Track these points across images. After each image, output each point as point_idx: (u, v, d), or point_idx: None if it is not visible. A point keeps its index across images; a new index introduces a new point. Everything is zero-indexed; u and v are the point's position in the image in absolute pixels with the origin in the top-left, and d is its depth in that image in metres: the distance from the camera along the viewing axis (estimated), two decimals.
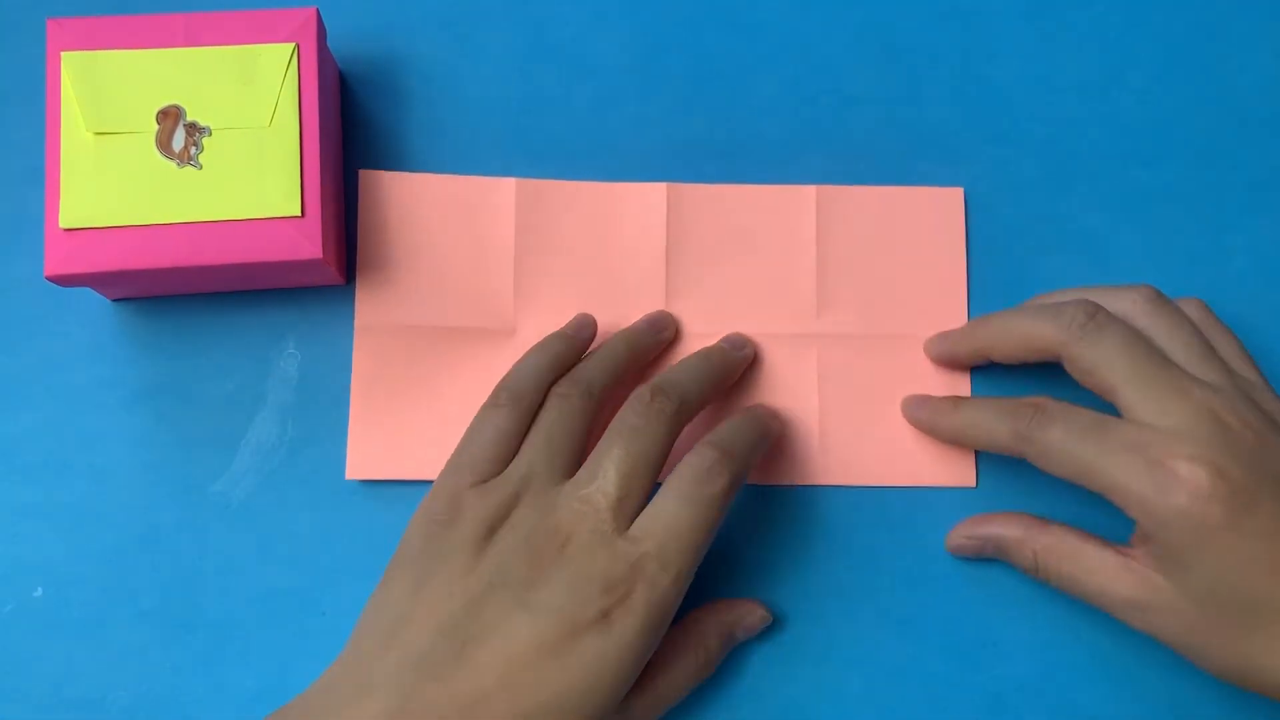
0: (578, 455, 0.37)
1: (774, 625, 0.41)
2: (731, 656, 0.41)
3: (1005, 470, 0.42)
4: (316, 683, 0.35)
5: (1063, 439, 0.36)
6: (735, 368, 0.41)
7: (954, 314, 0.43)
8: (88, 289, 0.40)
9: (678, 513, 0.35)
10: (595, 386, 0.38)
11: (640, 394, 0.37)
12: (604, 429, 0.37)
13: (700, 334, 0.42)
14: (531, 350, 0.40)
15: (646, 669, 0.36)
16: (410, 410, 0.41)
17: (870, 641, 0.41)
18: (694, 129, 0.44)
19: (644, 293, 0.42)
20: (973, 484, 0.42)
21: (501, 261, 0.42)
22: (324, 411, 0.41)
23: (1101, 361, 0.36)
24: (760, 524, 0.42)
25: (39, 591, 0.40)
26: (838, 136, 0.44)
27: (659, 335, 0.41)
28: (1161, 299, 0.38)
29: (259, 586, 0.41)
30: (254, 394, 0.42)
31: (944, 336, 0.42)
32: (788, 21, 0.45)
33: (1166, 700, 0.41)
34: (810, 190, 0.43)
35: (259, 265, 0.38)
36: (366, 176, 0.42)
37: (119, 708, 0.40)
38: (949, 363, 0.42)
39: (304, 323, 0.42)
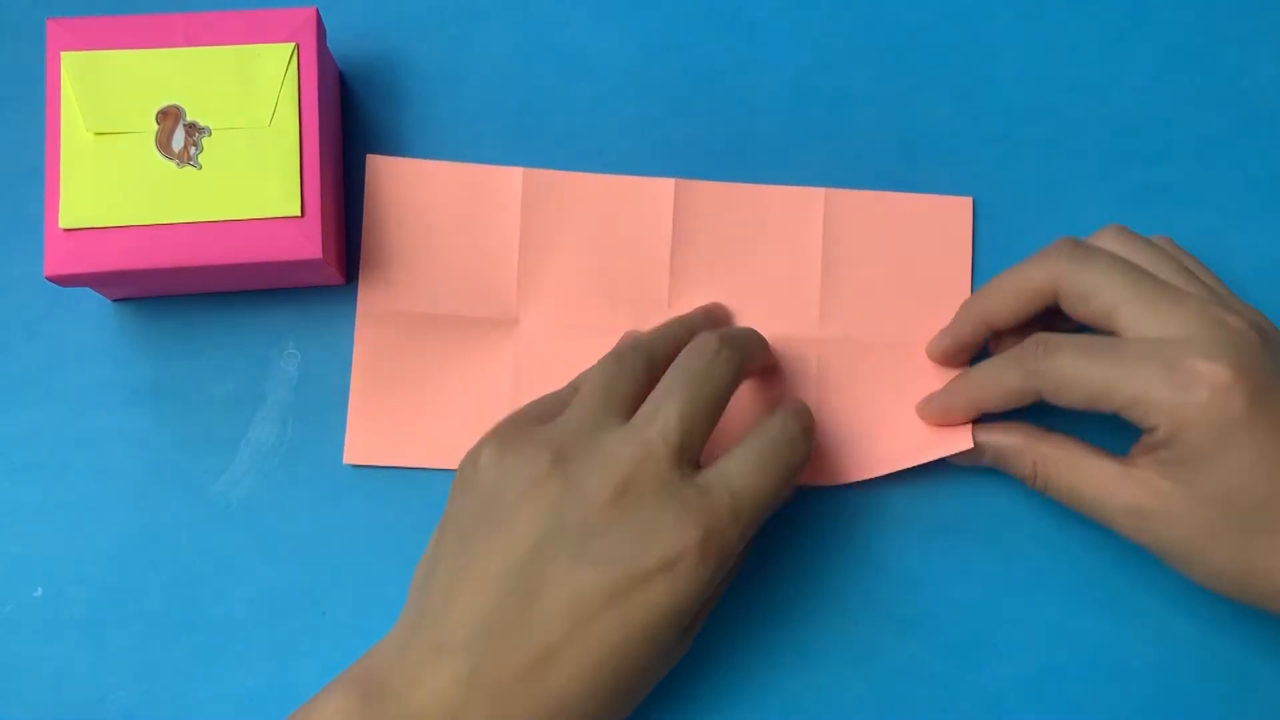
0: (633, 404, 0.36)
1: (774, 625, 0.41)
2: (732, 656, 0.41)
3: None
4: (386, 641, 0.34)
5: (1073, 362, 0.36)
6: (769, 360, 0.41)
7: None
8: (88, 289, 0.40)
9: (759, 473, 0.35)
10: (656, 358, 0.37)
11: (707, 340, 0.37)
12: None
13: None
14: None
15: None
16: (410, 397, 0.41)
17: (870, 641, 0.41)
18: (693, 129, 0.44)
19: (647, 287, 0.42)
20: (970, 445, 0.40)
21: (506, 251, 0.42)
22: (324, 411, 0.42)
23: (1097, 284, 0.37)
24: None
25: (39, 591, 0.40)
26: (838, 136, 0.44)
27: (719, 325, 0.41)
28: (1130, 232, 0.39)
29: (259, 586, 0.41)
30: (254, 394, 0.42)
31: (944, 331, 0.42)
32: (788, 21, 0.45)
33: (1166, 701, 0.41)
34: (818, 193, 0.43)
35: (259, 265, 0.38)
36: (374, 162, 0.42)
37: (119, 708, 0.40)
38: (955, 350, 0.41)
39: (304, 323, 0.42)
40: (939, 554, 0.42)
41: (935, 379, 0.42)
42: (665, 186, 0.43)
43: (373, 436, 0.41)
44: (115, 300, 0.42)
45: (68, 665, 0.40)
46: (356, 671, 0.34)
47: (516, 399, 0.41)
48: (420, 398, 0.42)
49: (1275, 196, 0.44)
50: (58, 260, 0.37)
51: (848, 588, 0.41)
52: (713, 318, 0.41)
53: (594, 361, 0.41)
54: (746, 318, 0.43)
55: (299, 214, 0.38)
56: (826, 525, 0.42)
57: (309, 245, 0.38)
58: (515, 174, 0.43)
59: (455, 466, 0.41)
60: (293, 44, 0.39)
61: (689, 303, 0.42)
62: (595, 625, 0.33)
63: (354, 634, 0.40)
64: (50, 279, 0.37)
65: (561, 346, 0.42)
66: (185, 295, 0.42)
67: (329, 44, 0.42)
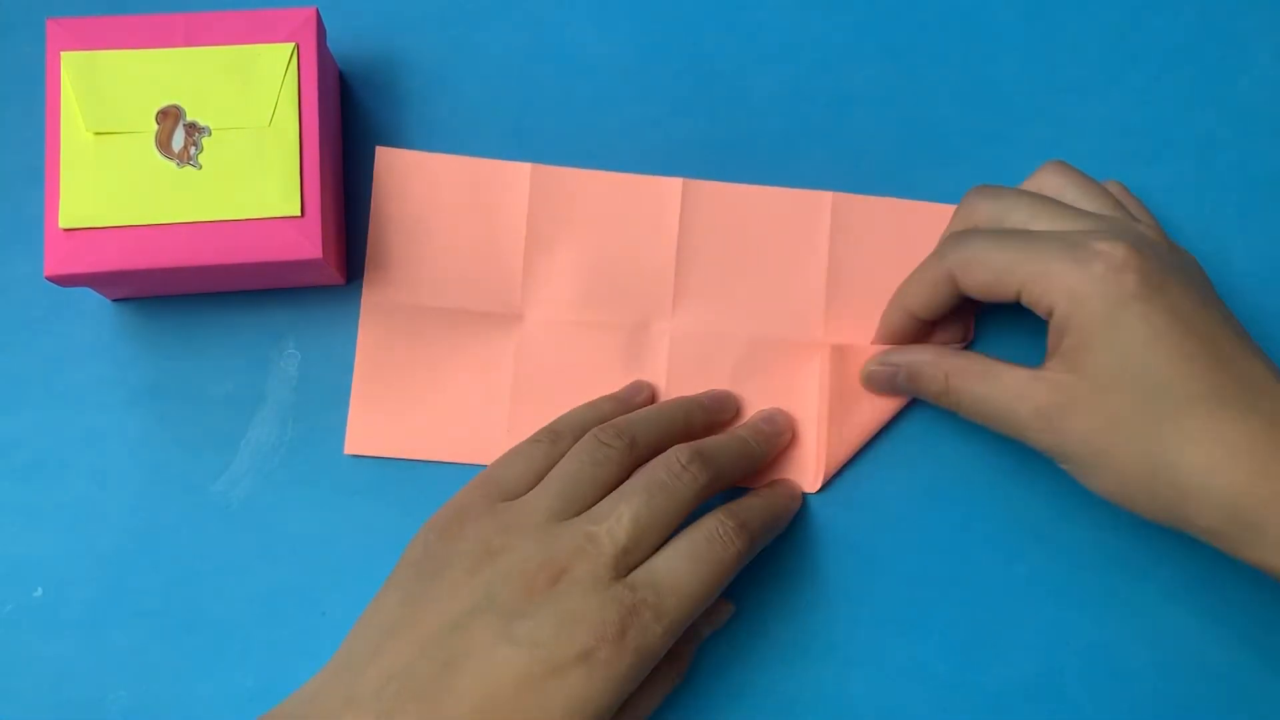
0: (601, 494, 0.37)
1: (774, 625, 0.41)
2: (732, 656, 0.41)
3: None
4: (306, 687, 0.35)
5: (983, 242, 0.37)
6: (771, 453, 0.41)
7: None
8: (88, 289, 0.40)
9: (685, 570, 0.35)
10: (639, 444, 0.38)
11: (678, 454, 0.37)
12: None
13: (705, 333, 0.42)
14: (581, 405, 0.40)
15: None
16: (413, 390, 0.42)
17: (870, 641, 0.41)
18: (693, 129, 0.44)
19: (652, 286, 0.42)
20: None
21: (512, 246, 0.42)
22: (324, 411, 0.42)
23: (1005, 210, 0.38)
24: None
25: (39, 591, 0.40)
26: (837, 136, 0.44)
27: (719, 415, 0.41)
28: (1070, 168, 0.40)
29: (259, 586, 0.41)
30: (254, 394, 0.42)
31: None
32: (788, 21, 0.45)
33: (1165, 701, 0.41)
34: (826, 196, 0.43)
35: (259, 265, 0.38)
36: (383, 154, 0.42)
37: (119, 708, 0.40)
38: (903, 303, 0.41)
39: (304, 323, 0.42)
40: (939, 554, 0.42)
41: None
42: (673, 186, 0.43)
43: (374, 427, 0.41)
44: (115, 300, 0.42)
45: (68, 665, 0.40)
46: (274, 716, 0.34)
47: (517, 393, 0.42)
48: (422, 390, 0.42)
49: (1275, 196, 0.44)
50: (58, 260, 0.37)
51: (848, 588, 0.41)
52: (718, 402, 0.41)
53: (595, 359, 0.41)
54: (751, 319, 0.42)
55: (299, 214, 0.38)
56: (827, 525, 0.42)
57: (309, 245, 0.38)
58: (523, 169, 0.43)
59: (454, 460, 0.41)
60: (293, 44, 0.39)
61: (693, 303, 0.42)
62: (506, 707, 0.32)
63: None
64: (50, 279, 0.37)
65: (564, 342, 0.42)
66: (185, 295, 0.42)
67: (329, 44, 0.42)
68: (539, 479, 0.37)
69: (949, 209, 0.43)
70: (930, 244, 0.42)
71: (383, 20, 0.44)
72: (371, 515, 0.41)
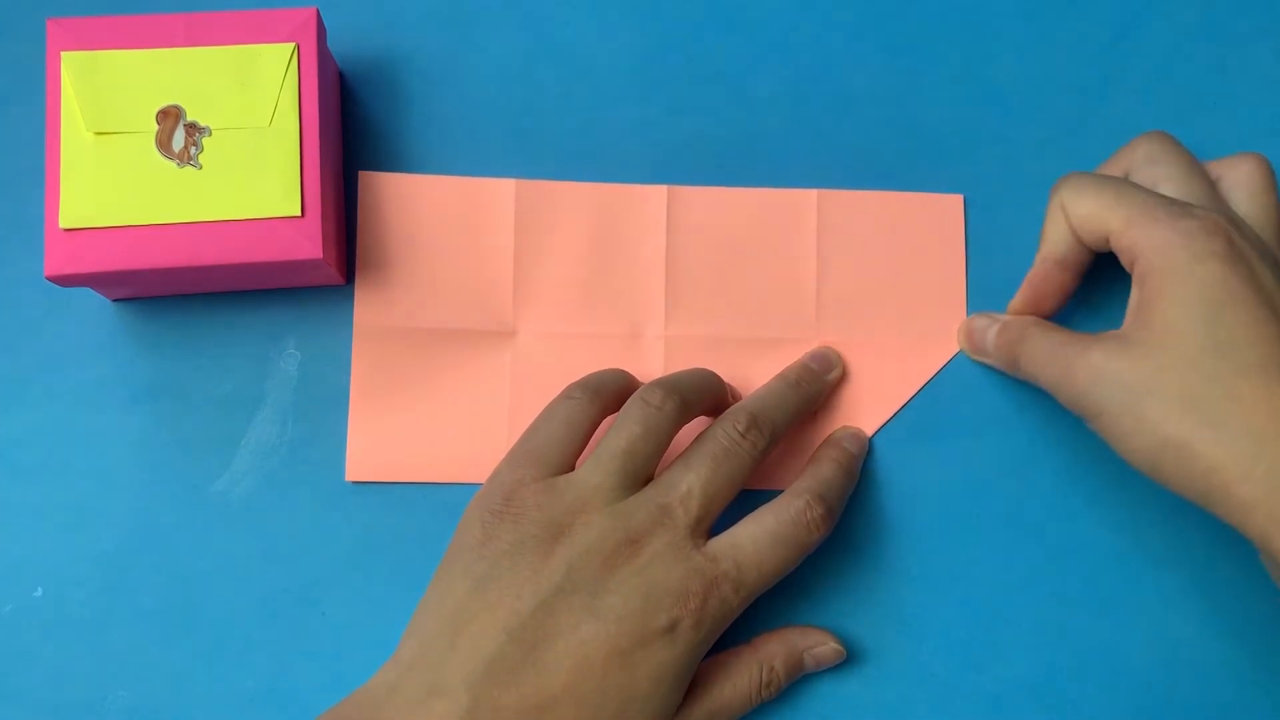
0: (656, 468, 0.37)
1: (775, 625, 0.41)
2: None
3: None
4: (377, 679, 0.35)
5: (1094, 179, 0.37)
6: (824, 391, 0.42)
7: (952, 321, 0.43)
8: (88, 289, 0.40)
9: (768, 548, 0.36)
10: (690, 401, 0.38)
11: (736, 417, 0.38)
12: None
13: (699, 338, 0.42)
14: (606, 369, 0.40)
15: (707, 680, 0.37)
16: (410, 412, 0.41)
17: (870, 641, 0.41)
18: (693, 129, 0.44)
19: (644, 294, 0.42)
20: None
21: (501, 263, 0.42)
22: (324, 411, 0.41)
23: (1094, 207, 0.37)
24: None
25: (39, 591, 0.40)
26: (837, 137, 0.44)
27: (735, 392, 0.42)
28: (1167, 141, 0.39)
29: (259, 586, 0.41)
30: (254, 394, 0.42)
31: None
32: (787, 21, 0.45)
33: (1166, 701, 0.41)
34: (811, 194, 0.43)
35: (259, 265, 0.38)
36: (366, 178, 0.42)
37: (119, 708, 0.40)
38: (1039, 255, 0.40)
39: (304, 323, 0.42)
40: (939, 553, 0.42)
41: (933, 373, 0.42)
42: (658, 193, 0.43)
43: (374, 454, 0.41)
44: (115, 300, 0.42)
45: (68, 665, 0.40)
46: (340, 711, 0.34)
47: (515, 410, 0.41)
48: (420, 413, 0.41)
49: None
50: (58, 260, 0.37)
51: (848, 587, 0.41)
52: (730, 392, 0.42)
53: (591, 371, 0.41)
54: (744, 321, 0.42)
55: (299, 214, 0.38)
56: None
57: (309, 245, 0.38)
58: (508, 185, 0.43)
59: (457, 480, 0.41)
60: (293, 44, 0.39)
61: (685, 309, 0.42)
62: (595, 680, 0.34)
63: (353, 634, 0.40)
64: (50, 279, 0.37)
65: (559, 356, 0.42)
66: (185, 295, 0.42)
67: (329, 44, 0.42)
68: (581, 440, 0.37)
69: (934, 198, 0.43)
70: (918, 234, 0.42)
71: (383, 20, 0.44)
72: (371, 515, 0.41)
